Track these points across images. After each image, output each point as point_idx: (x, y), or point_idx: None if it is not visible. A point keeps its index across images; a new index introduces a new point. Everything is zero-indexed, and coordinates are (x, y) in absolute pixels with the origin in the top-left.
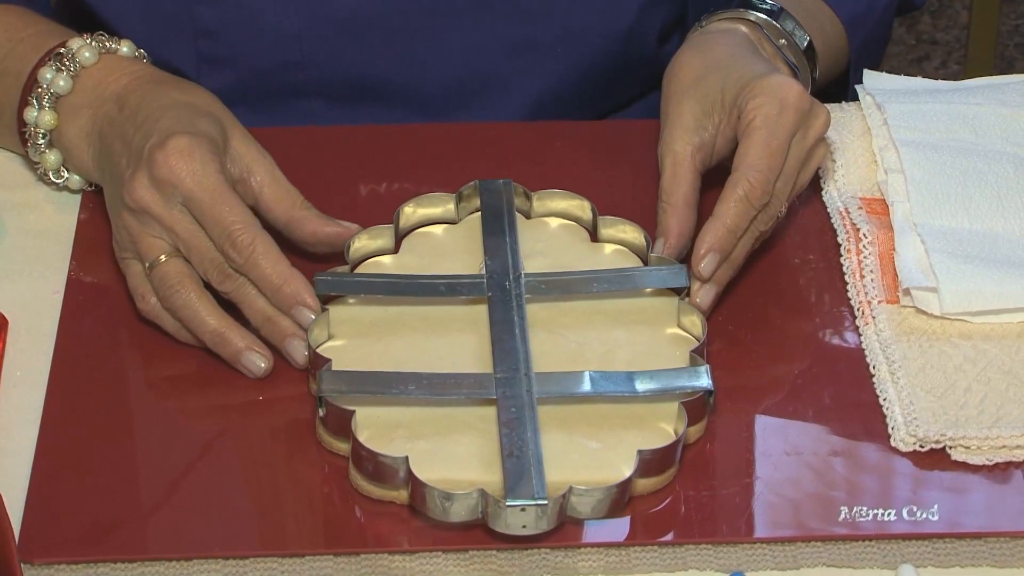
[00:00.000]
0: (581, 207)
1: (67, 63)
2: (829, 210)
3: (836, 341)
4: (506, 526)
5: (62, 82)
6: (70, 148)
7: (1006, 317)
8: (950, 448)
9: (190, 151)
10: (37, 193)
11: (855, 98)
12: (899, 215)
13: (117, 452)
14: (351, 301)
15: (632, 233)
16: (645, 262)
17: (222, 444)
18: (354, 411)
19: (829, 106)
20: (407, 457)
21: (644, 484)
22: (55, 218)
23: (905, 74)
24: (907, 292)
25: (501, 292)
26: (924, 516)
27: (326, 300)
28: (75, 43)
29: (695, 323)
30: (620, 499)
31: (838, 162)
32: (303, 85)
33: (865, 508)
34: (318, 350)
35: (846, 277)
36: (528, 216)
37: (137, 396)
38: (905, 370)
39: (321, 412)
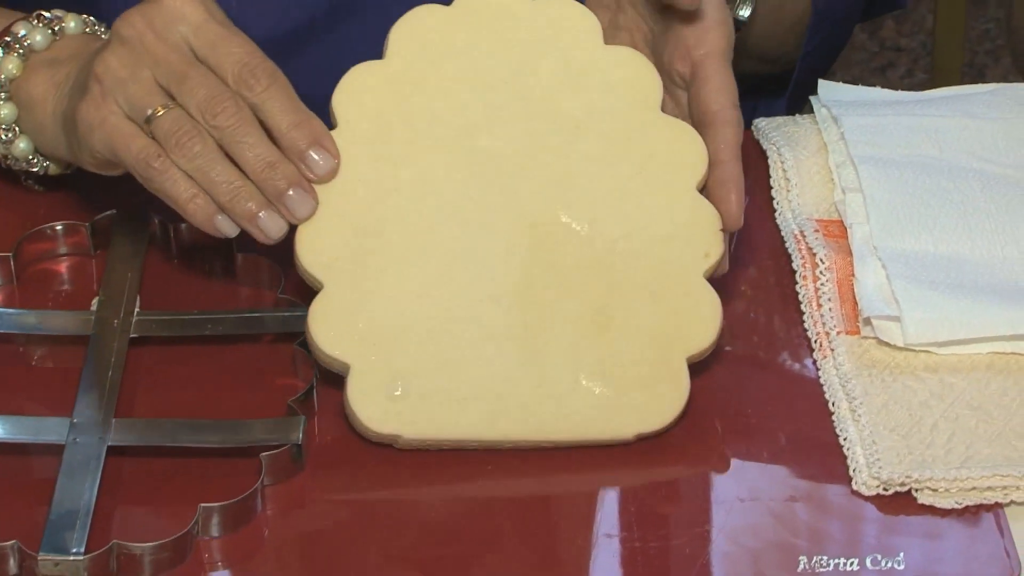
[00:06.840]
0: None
1: (17, 48)
2: (783, 233)
3: (792, 376)
4: None
5: (11, 66)
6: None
7: (974, 347)
8: (916, 491)
9: None
10: None
11: (811, 110)
12: (858, 238)
13: None
14: None
15: None
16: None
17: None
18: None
19: (781, 119)
20: None
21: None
22: None
23: (867, 83)
24: (868, 322)
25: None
26: (890, 565)
27: None
28: (20, 27)
29: None
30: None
31: (792, 181)
32: None
33: (826, 557)
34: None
35: (802, 306)
36: None
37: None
38: (867, 407)
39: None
